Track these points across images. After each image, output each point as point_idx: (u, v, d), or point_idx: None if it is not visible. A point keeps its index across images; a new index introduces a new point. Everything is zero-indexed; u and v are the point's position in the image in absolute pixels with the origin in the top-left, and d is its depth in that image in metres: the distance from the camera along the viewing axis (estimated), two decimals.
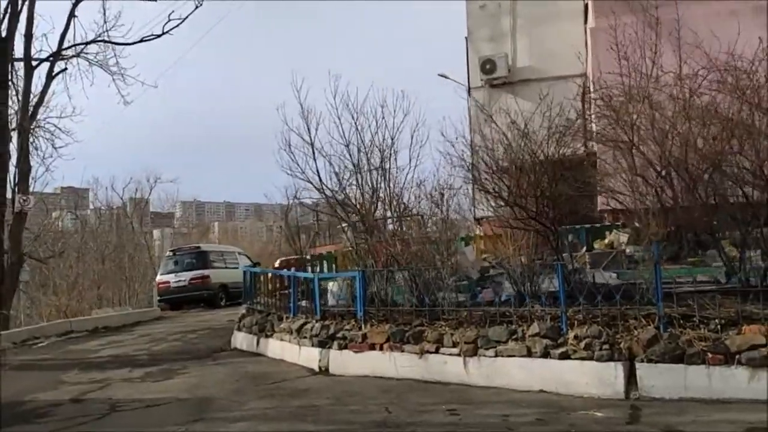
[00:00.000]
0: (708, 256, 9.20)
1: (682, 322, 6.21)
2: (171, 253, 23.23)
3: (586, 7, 14.43)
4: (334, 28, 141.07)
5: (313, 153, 9.33)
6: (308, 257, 11.89)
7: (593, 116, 11.12)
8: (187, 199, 69.53)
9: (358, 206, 9.27)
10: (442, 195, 9.80)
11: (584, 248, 11.28)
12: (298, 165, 9.41)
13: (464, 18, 17.81)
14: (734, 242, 9.63)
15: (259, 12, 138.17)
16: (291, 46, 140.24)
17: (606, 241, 11.18)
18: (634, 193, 9.70)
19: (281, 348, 9.34)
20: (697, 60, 10.69)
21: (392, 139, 8.98)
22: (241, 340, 10.77)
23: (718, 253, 7.36)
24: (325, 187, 9.34)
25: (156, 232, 56.93)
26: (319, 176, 9.37)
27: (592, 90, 12.15)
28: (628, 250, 9.70)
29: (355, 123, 9.16)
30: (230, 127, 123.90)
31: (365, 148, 9.15)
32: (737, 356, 5.81)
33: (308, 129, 9.27)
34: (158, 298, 21.90)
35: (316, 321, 8.69)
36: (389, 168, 8.99)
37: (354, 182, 9.19)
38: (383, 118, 8.96)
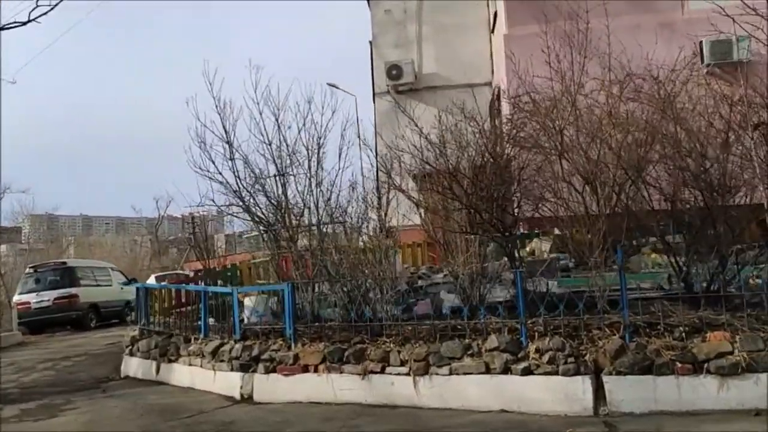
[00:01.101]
0: (632, 262, 9.19)
1: (647, 330, 5.91)
2: (32, 270, 20.61)
3: (494, 15, 14.40)
4: (231, 24, 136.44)
5: (231, 152, 8.27)
6: (208, 271, 10.67)
7: (513, 122, 10.91)
8: (42, 212, 63.66)
9: (280, 212, 8.31)
10: (380, 199, 9.17)
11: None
12: (213, 164, 8.29)
13: (368, 22, 17.40)
14: (655, 249, 9.75)
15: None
16: (183, 41, 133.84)
17: (528, 249, 10.99)
18: (558, 200, 9.50)
19: (190, 374, 8.18)
20: (611, 70, 10.95)
21: (320, 138, 8.14)
22: (135, 366, 9.41)
23: (670, 261, 7.17)
24: (243, 190, 8.29)
25: (3, 248, 51.62)
26: (237, 177, 8.31)
27: (506, 96, 12.04)
28: (562, 259, 9.51)
29: (277, 120, 8.22)
30: (106, 135, 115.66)
31: (288, 147, 8.25)
32: (705, 365, 5.56)
33: (224, 125, 8.21)
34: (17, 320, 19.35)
35: (236, 341, 7.65)
36: (317, 169, 8.13)
37: (276, 185, 8.21)
38: (310, 114, 8.10)
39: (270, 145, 8.15)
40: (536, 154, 9.92)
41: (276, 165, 8.18)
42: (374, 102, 16.56)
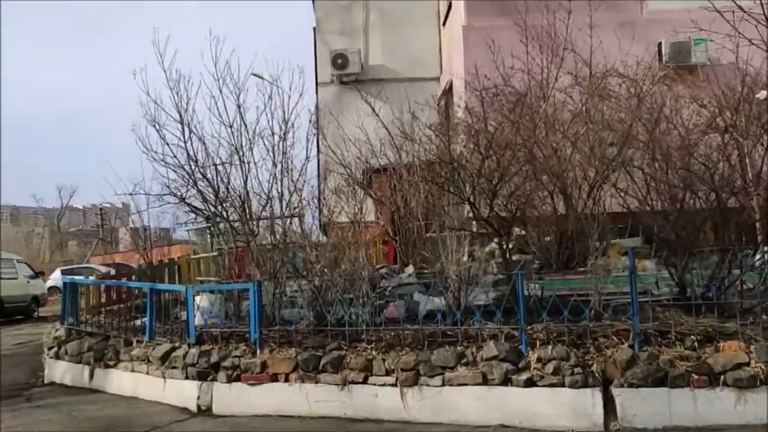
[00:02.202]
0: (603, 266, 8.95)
1: (658, 339, 5.57)
2: None
3: (448, 7, 13.97)
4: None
5: (185, 133, 7.33)
6: (150, 266, 9.65)
7: (477, 116, 10.49)
8: None
9: (238, 201, 7.47)
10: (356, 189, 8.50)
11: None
12: (168, 145, 7.33)
13: (311, 7, 16.61)
14: (622, 251, 9.58)
15: None
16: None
17: (486, 249, 10.61)
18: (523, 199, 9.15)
19: (133, 381, 7.22)
20: (576, 67, 10.76)
21: (287, 122, 7.36)
22: (62, 371, 8.31)
23: (667, 265, 6.88)
24: (198, 176, 7.38)
25: None
26: (195, 162, 7.37)
27: (467, 88, 11.64)
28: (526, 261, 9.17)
29: (238, 99, 7.38)
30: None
31: (249, 131, 7.42)
32: (722, 377, 5.28)
33: (178, 103, 7.27)
34: None
35: (190, 346, 6.78)
36: (283, 157, 7.35)
37: (236, 173, 7.37)
38: (277, 95, 7.30)
39: (231, 127, 7.29)
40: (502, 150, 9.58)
41: (237, 150, 7.33)
42: (317, 92, 15.77)
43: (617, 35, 11.21)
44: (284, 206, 7.50)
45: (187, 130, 7.26)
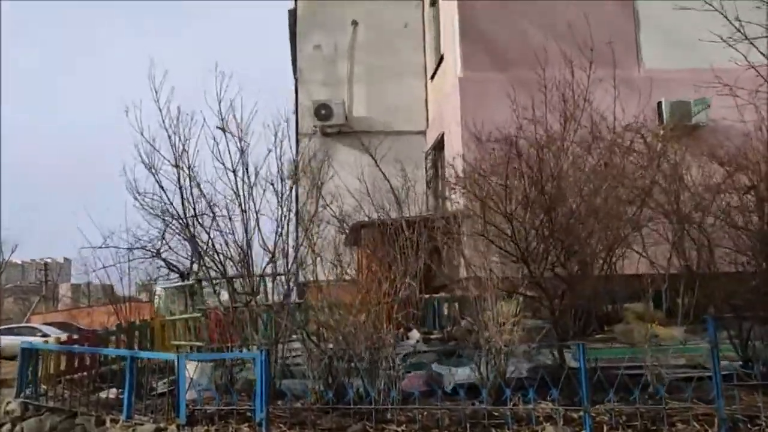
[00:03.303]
0: (624, 333, 8.32)
1: (748, 426, 4.85)
2: None
3: (439, 61, 13.59)
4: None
5: (179, 178, 6.46)
6: (127, 327, 8.55)
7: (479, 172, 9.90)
8: None
9: (239, 255, 6.57)
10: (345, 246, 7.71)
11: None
12: (163, 190, 6.43)
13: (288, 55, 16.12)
14: (640, 316, 8.97)
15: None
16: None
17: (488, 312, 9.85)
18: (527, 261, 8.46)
19: None
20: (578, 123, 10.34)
21: (296, 167, 6.60)
22: None
23: (730, 337, 6.21)
24: (193, 224, 6.47)
25: None
26: (194, 209, 6.48)
27: (464, 141, 11.12)
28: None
29: (240, 143, 6.59)
30: None
31: (250, 177, 6.60)
32: None
33: (174, 146, 6.41)
34: None
35: (181, 427, 5.73)
36: (289, 207, 6.54)
37: (233, 223, 6.49)
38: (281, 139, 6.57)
39: (234, 172, 6.46)
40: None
41: (238, 198, 6.49)
42: (297, 143, 15.06)
43: (614, 93, 10.94)
44: (289, 262, 6.63)
45: (183, 173, 6.37)
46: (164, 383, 7.84)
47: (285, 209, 6.55)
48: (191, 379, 6.44)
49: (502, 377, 5.48)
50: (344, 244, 10.03)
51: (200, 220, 6.46)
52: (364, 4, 15.30)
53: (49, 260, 63.15)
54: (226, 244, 6.52)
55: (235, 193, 6.46)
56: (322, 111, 14.59)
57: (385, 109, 15.05)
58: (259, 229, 6.48)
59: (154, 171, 6.43)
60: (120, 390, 7.37)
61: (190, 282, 8.90)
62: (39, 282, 59.60)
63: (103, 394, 7.48)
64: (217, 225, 6.48)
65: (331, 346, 6.00)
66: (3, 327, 31.37)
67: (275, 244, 6.51)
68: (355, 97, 15.23)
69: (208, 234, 6.44)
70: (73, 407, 6.94)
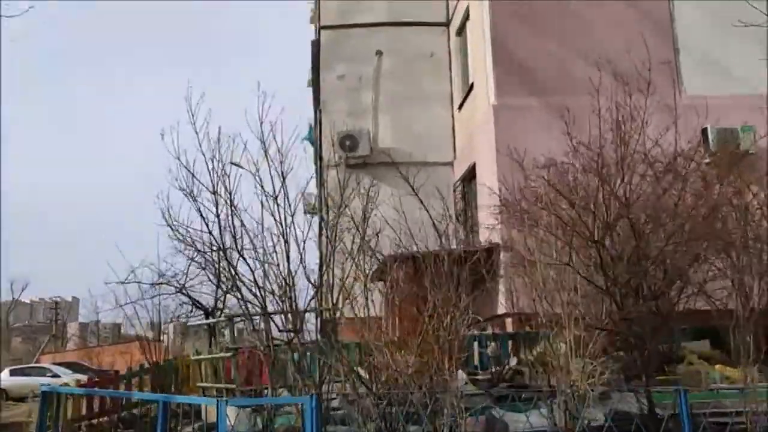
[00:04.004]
0: (689, 375, 7.71)
1: None
2: None
3: (469, 89, 13.23)
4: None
5: (217, 205, 5.98)
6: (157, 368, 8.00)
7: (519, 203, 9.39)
8: None
9: (282, 289, 6.03)
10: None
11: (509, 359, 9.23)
12: (203, 218, 5.95)
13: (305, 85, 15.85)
14: (705, 356, 8.38)
15: None
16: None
17: (535, 351, 9.22)
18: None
19: None
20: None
21: (342, 196, 6.14)
22: None
23: None
24: (234, 254, 5.98)
25: None
26: (233, 237, 5.98)
27: (493, 171, 10.67)
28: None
29: (282, 170, 6.14)
30: None
31: (291, 204, 6.14)
32: None
33: (213, 170, 5.96)
34: None
35: None
36: (329, 235, 6.06)
37: (276, 254, 5.98)
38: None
39: (275, 199, 6.00)
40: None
41: (282, 227, 5.99)
42: (320, 175, 14.66)
43: (657, 119, 10.48)
44: (334, 296, 6.10)
45: (222, 201, 5.90)
46: (193, 429, 7.28)
47: (329, 240, 6.04)
48: (232, 426, 5.89)
49: (582, 425, 4.87)
50: (371, 279, 9.50)
51: (240, 251, 5.92)
52: (388, 32, 15.08)
53: (58, 299, 62.74)
54: (266, 276, 5.99)
55: (276, 221, 5.96)
56: (347, 142, 14.21)
57: (410, 139, 14.66)
58: (303, 261, 5.97)
59: (192, 197, 5.95)
60: None
61: (221, 318, 8.35)
62: (48, 321, 59.04)
63: None
64: (258, 256, 5.95)
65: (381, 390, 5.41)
66: (13, 367, 30.71)
67: (321, 276, 6.00)
68: (380, 127, 14.87)
69: (249, 265, 5.90)
70: None
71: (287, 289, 5.94)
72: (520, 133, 10.69)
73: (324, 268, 6.18)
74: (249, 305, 6.11)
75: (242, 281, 6.00)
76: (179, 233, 6.29)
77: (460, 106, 14.06)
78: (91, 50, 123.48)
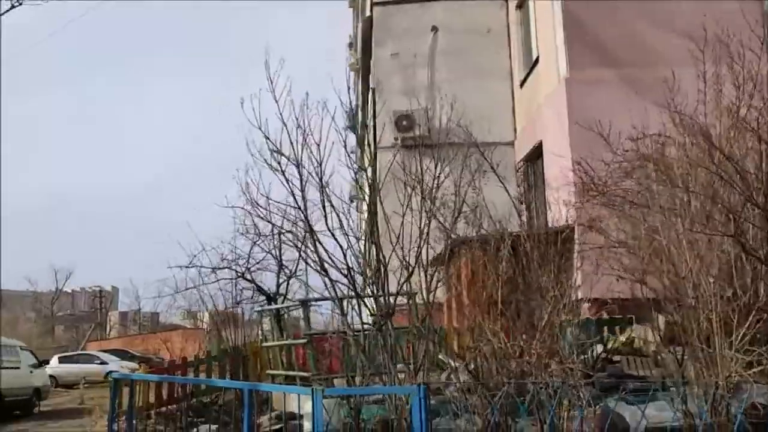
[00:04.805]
0: None
1: None
2: None
3: (534, 63, 12.61)
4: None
5: (302, 179, 5.55)
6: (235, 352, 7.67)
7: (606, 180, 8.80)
8: None
9: (373, 269, 5.61)
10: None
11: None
12: (292, 194, 5.53)
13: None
14: None
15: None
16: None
17: (623, 338, 8.65)
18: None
19: None
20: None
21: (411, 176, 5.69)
22: None
23: None
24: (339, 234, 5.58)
25: None
26: (324, 215, 5.57)
27: (565, 149, 10.08)
28: None
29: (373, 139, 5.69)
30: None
31: (378, 177, 5.73)
32: None
33: (295, 141, 5.53)
34: None
35: None
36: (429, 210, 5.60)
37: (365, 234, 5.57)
38: None
39: (365, 171, 5.58)
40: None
41: (371, 203, 5.56)
42: (375, 157, 14.18)
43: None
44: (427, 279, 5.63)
45: (305, 172, 5.47)
46: (270, 419, 6.91)
47: (426, 217, 5.58)
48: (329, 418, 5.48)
49: (727, 421, 4.33)
50: (431, 263, 9.06)
51: (331, 229, 5.50)
52: (443, 7, 14.50)
53: (97, 288, 63.79)
54: (355, 257, 5.56)
55: (363, 198, 5.53)
56: (403, 122, 13.73)
57: (468, 118, 14.08)
58: (400, 241, 5.52)
59: (279, 170, 5.53)
60: (216, 427, 6.50)
61: (294, 303, 7.98)
62: (93, 309, 59.97)
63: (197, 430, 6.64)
64: (346, 234, 5.52)
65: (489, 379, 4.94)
66: (61, 355, 31.12)
67: (417, 257, 5.55)
68: (437, 106, 14.32)
69: (340, 244, 5.47)
70: None
71: (380, 270, 5.50)
72: (594, 106, 10.06)
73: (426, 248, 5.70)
74: (335, 288, 5.68)
75: (330, 262, 5.56)
76: (259, 210, 5.83)
77: (522, 83, 13.45)
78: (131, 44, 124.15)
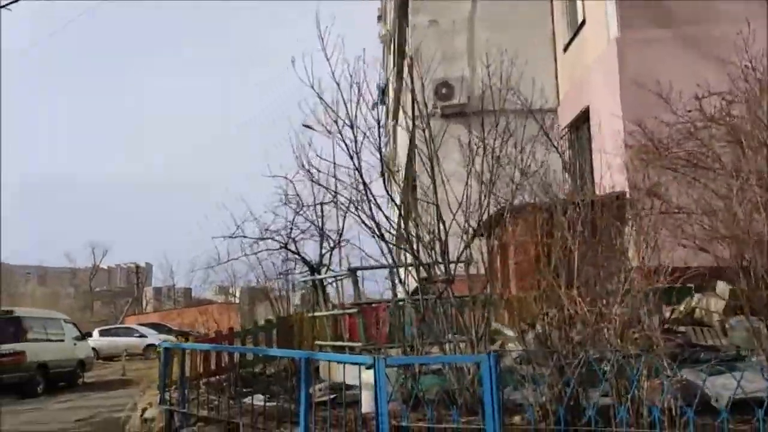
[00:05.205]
0: None
1: None
2: None
3: (580, 25, 12.16)
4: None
5: (356, 140, 5.37)
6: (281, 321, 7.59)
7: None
8: None
9: (432, 233, 5.41)
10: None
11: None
12: (354, 147, 5.35)
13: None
14: None
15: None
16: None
17: (682, 307, 8.33)
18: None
19: None
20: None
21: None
22: None
23: None
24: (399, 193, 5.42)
25: None
26: (385, 178, 5.39)
27: (619, 112, 9.69)
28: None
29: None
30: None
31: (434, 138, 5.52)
32: None
33: (349, 101, 5.33)
34: None
35: None
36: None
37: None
38: None
39: (423, 130, 5.38)
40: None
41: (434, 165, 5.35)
42: (414, 127, 13.90)
43: None
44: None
45: (360, 134, 5.27)
46: (320, 390, 6.80)
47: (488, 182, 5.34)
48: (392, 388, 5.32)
49: None
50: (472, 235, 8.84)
51: (390, 193, 5.31)
52: None
53: (133, 264, 64.89)
54: (414, 222, 5.36)
55: (426, 156, 5.33)
56: (443, 90, 13.39)
57: (509, 85, 13.69)
58: (460, 204, 5.32)
59: (336, 128, 5.35)
60: (267, 396, 6.40)
61: (343, 272, 7.82)
62: (130, 284, 61.01)
63: (248, 400, 6.54)
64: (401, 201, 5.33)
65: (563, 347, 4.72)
66: (102, 328, 31.77)
67: (480, 220, 5.33)
68: (477, 73, 13.95)
69: (398, 208, 5.27)
70: (232, 417, 5.93)
71: (439, 235, 5.29)
72: (648, 67, 9.68)
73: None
74: (393, 255, 5.50)
75: (382, 228, 5.37)
76: (309, 175, 5.65)
77: (566, 47, 13.01)
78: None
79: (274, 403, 6.12)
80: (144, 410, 7.41)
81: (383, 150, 6.24)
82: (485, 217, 5.80)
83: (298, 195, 8.88)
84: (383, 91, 22.47)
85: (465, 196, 5.66)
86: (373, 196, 5.39)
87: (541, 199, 8.50)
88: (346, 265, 10.35)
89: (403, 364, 5.47)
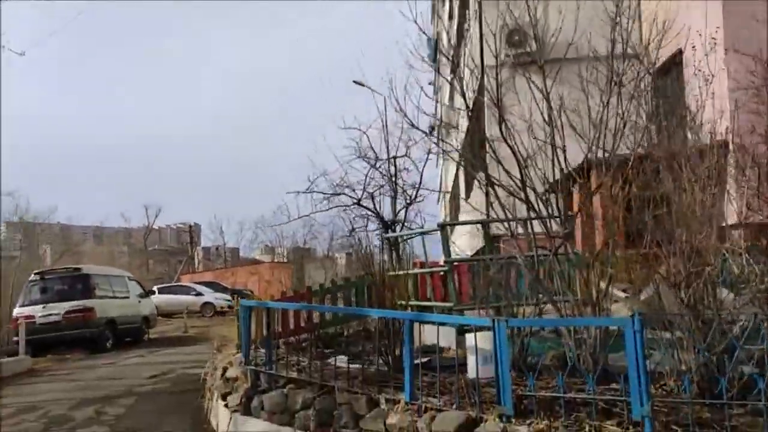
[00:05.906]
0: None
1: None
2: (37, 277, 16.63)
3: None
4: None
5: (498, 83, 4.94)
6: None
7: None
8: (27, 217, 58.21)
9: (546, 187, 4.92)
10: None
11: None
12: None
13: None
14: None
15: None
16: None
17: None
18: None
19: None
20: None
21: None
22: None
23: None
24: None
25: None
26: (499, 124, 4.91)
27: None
28: None
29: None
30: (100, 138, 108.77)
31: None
32: None
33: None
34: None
35: (506, 419, 4.18)
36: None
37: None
38: None
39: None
40: None
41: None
42: (482, 76, 13.20)
43: None
44: None
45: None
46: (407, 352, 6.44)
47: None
48: (485, 351, 4.92)
49: None
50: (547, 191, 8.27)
51: (505, 136, 4.82)
52: None
53: (182, 225, 65.93)
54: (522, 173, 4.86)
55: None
56: (515, 36, 12.58)
57: (588, 31, 12.82)
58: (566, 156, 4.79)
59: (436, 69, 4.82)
60: (350, 358, 6.07)
61: (433, 228, 7.38)
62: (183, 244, 62.11)
63: (332, 361, 6.28)
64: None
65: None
66: (160, 286, 32.32)
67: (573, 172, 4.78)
68: (551, 19, 13.10)
69: (517, 156, 4.77)
70: (325, 380, 5.62)
71: (554, 187, 4.79)
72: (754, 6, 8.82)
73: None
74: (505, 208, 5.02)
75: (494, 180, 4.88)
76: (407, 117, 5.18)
77: None
78: None
79: (358, 365, 5.82)
80: (225, 369, 7.21)
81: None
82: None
83: (372, 149, 8.42)
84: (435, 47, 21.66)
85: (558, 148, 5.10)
86: (484, 137, 4.88)
87: (646, 150, 7.85)
88: (420, 223, 9.97)
89: (525, 326, 5.04)
